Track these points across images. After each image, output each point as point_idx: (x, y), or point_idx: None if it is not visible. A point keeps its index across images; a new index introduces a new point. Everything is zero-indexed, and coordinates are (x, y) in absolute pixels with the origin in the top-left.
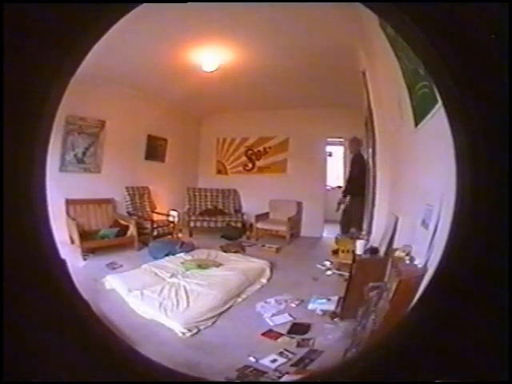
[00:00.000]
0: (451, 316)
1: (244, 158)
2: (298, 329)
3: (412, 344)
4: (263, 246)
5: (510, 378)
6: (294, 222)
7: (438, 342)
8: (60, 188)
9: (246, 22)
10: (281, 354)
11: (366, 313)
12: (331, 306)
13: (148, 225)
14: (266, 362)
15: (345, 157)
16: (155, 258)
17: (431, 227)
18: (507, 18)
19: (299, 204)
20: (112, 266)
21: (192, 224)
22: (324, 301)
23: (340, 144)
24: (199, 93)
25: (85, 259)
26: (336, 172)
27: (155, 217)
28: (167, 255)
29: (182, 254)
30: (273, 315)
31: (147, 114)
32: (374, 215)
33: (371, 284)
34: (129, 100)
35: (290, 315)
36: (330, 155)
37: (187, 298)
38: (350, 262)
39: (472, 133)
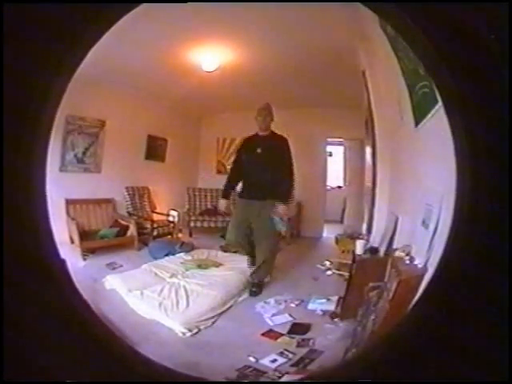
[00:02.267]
0: (451, 316)
1: None
2: (298, 329)
3: (412, 344)
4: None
5: (510, 377)
6: (294, 222)
7: (437, 342)
8: (60, 188)
9: (246, 21)
10: (281, 353)
11: (366, 313)
12: (331, 306)
13: (148, 225)
14: (266, 361)
15: (345, 157)
16: (155, 258)
17: (431, 227)
18: (507, 18)
19: (299, 204)
20: (112, 266)
21: (192, 224)
22: (324, 301)
23: (340, 144)
24: (199, 93)
25: (85, 259)
26: (336, 172)
27: (155, 217)
28: (167, 255)
29: (182, 254)
30: (273, 315)
31: (147, 113)
32: (374, 215)
33: (371, 284)
34: (129, 100)
35: (290, 315)
36: (330, 155)
37: (187, 297)
38: (349, 262)
39: (472, 133)
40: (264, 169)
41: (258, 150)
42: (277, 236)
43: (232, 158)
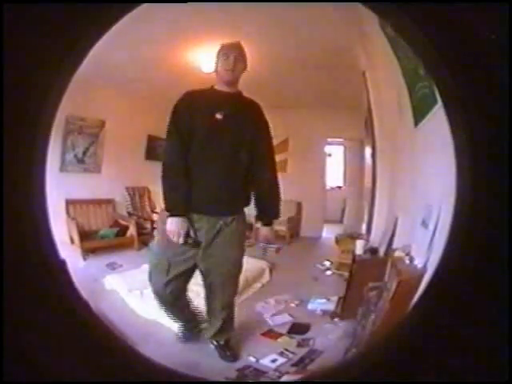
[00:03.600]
0: (451, 316)
1: None
2: (298, 329)
3: (412, 344)
4: (263, 245)
5: (510, 378)
6: (294, 222)
7: (437, 341)
8: (60, 188)
9: (246, 22)
10: (281, 353)
11: (366, 313)
12: (331, 306)
13: (148, 225)
14: (266, 361)
15: (345, 157)
16: None
17: (431, 227)
18: (507, 18)
19: (299, 204)
20: (112, 266)
21: None
22: (324, 301)
23: (340, 144)
24: None
25: (85, 259)
26: (336, 172)
27: (155, 217)
28: None
29: None
30: (273, 315)
31: (147, 114)
32: (374, 215)
33: (371, 284)
34: (129, 100)
35: (290, 315)
36: (330, 155)
37: None
38: (349, 262)
39: (472, 133)
40: (230, 151)
41: (218, 116)
42: (238, 275)
43: None
